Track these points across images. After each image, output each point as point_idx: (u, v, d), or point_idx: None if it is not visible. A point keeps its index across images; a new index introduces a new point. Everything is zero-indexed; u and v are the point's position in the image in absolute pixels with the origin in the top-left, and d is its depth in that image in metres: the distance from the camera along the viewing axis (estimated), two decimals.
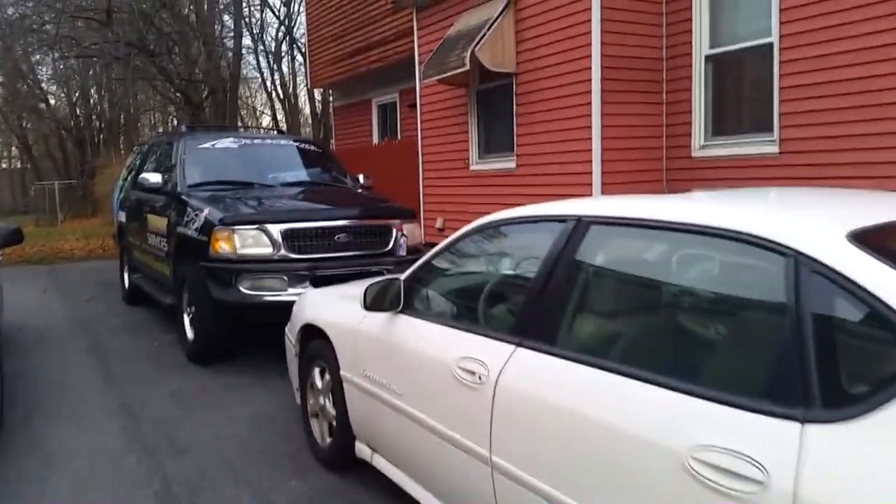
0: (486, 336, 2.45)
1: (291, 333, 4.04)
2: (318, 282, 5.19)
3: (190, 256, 5.60)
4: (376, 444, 3.16)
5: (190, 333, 5.68)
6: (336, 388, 3.42)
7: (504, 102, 7.74)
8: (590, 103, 6.43)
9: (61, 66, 28.10)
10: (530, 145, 7.23)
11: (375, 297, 2.95)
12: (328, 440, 3.60)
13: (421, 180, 9.24)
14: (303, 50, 26.58)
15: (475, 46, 7.03)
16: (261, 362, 5.57)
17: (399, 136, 12.40)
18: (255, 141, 6.98)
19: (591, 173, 6.49)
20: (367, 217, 5.62)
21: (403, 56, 11.38)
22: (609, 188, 6.52)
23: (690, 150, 6.60)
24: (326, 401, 3.60)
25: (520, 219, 2.68)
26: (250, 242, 5.22)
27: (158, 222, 6.36)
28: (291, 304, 5.08)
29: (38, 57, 25.90)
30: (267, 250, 5.21)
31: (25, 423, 4.30)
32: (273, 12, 25.84)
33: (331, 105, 16.47)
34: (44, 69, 30.01)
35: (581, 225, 2.33)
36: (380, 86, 12.87)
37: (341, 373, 3.33)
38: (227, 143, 6.68)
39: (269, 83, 28.27)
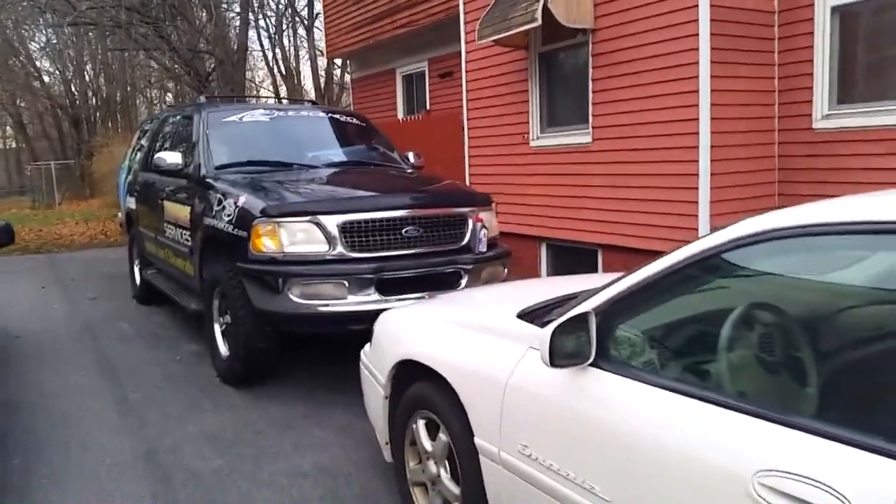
0: (826, 436, 1.40)
1: (377, 366, 3.00)
2: (386, 287, 4.16)
3: (222, 254, 4.55)
4: None
5: (223, 348, 4.65)
6: (464, 459, 2.39)
7: (575, 66, 6.63)
8: (697, 63, 5.33)
9: (54, 39, 26.81)
10: (611, 115, 6.14)
11: (564, 345, 1.89)
12: None
13: (466, 159, 8.15)
14: (305, 23, 25.51)
15: None
16: (311, 384, 4.54)
17: (428, 109, 11.28)
18: (290, 113, 5.88)
19: (697, 148, 5.41)
20: (440, 205, 4.56)
21: (436, 18, 10.24)
22: (719, 166, 5.44)
23: (812, 119, 5.51)
24: (442, 470, 2.57)
25: (868, 225, 1.56)
26: (300, 238, 4.16)
27: (179, 211, 5.29)
28: (352, 315, 4.12)
29: (29, 29, 24.63)
30: (321, 248, 4.16)
31: (24, 482, 3.27)
32: None
33: (348, 76, 15.31)
34: (35, 45, 28.74)
35: None
36: (406, 54, 11.71)
37: (476, 441, 2.30)
38: (256, 115, 5.58)
39: (269, 57, 27.05)
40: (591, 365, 1.92)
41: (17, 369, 5.03)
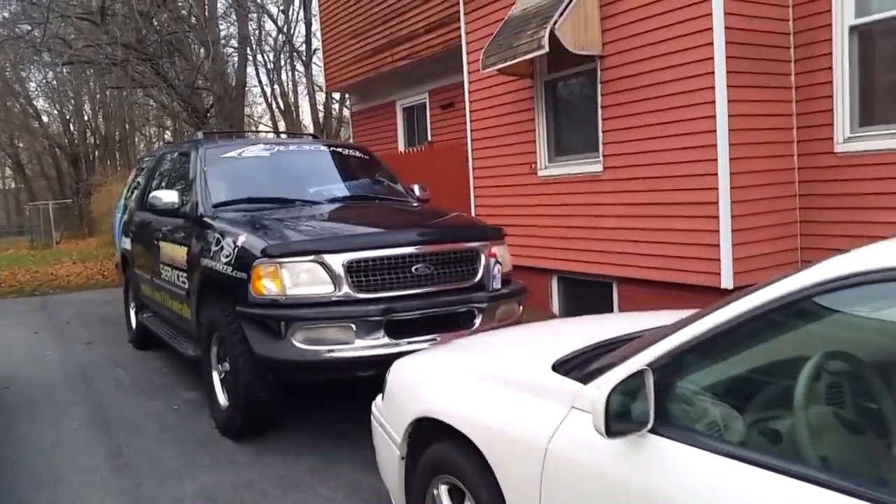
0: None
1: (391, 423, 2.72)
2: (395, 329, 3.89)
3: (221, 297, 4.29)
4: None
5: (222, 398, 4.36)
6: None
7: (583, 93, 6.45)
8: (713, 87, 5.14)
9: (52, 79, 26.86)
10: (622, 143, 5.93)
11: (619, 409, 1.62)
12: None
13: (472, 190, 7.94)
14: (303, 59, 25.54)
15: (554, 24, 5.74)
16: (316, 435, 4.25)
17: (431, 141, 11.11)
18: (291, 147, 5.66)
19: (715, 175, 5.19)
20: (451, 240, 4.30)
21: (436, 51, 10.12)
22: (740, 193, 5.22)
23: (833, 143, 5.30)
24: None
25: None
26: (304, 279, 3.90)
27: (175, 252, 5.04)
28: (360, 360, 3.85)
29: (27, 69, 24.68)
30: (326, 289, 3.89)
31: None
32: (272, 19, 24.52)
33: (347, 110, 15.18)
34: (33, 84, 28.81)
35: None
36: (406, 86, 11.59)
37: None
38: (256, 150, 5.36)
39: (268, 93, 27.08)
40: (653, 432, 1.64)
41: (4, 422, 4.73)
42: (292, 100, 27.35)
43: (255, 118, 30.24)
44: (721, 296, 5.30)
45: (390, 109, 12.21)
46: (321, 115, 26.30)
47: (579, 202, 6.43)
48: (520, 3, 6.55)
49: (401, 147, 11.85)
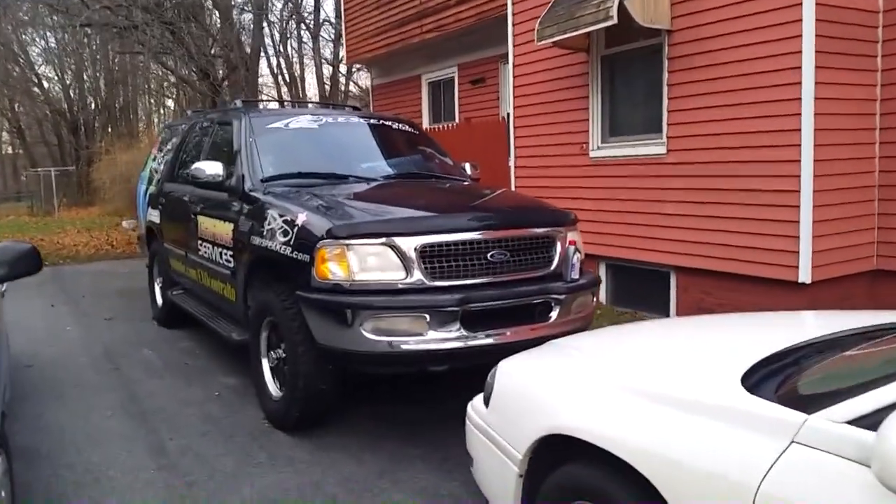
0: None
1: (505, 435, 2.39)
2: (471, 321, 3.56)
3: (275, 280, 3.94)
4: None
5: (273, 388, 4.03)
6: None
7: (646, 69, 6.06)
8: (800, 68, 4.77)
9: (53, 44, 26.23)
10: (690, 124, 5.57)
11: None
12: None
13: (512, 171, 7.57)
14: (312, 31, 24.92)
15: None
16: (377, 431, 3.93)
17: (457, 117, 10.72)
18: (339, 119, 5.27)
19: (798, 162, 4.84)
20: (528, 224, 3.95)
21: (467, 23, 9.72)
22: (823, 182, 4.87)
23: None
24: None
25: None
26: (373, 264, 3.55)
27: (217, 228, 4.68)
28: (434, 354, 3.52)
29: (29, 34, 24.06)
30: (397, 275, 3.55)
31: None
32: None
33: (354, 84, 14.72)
34: (35, 49, 28.18)
35: None
36: (433, 60, 11.18)
37: None
38: (303, 121, 4.98)
39: (273, 65, 26.49)
40: None
41: (32, 407, 4.40)
42: (298, 72, 26.79)
43: (261, 91, 29.65)
44: (796, 291, 4.99)
45: (415, 84, 11.80)
46: (328, 88, 25.76)
47: (635, 185, 6.08)
48: None
49: (425, 123, 11.44)
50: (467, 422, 2.69)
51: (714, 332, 2.48)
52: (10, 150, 40.09)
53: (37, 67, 28.83)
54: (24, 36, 26.10)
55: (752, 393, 1.75)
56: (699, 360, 2.12)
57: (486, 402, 2.57)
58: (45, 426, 4.10)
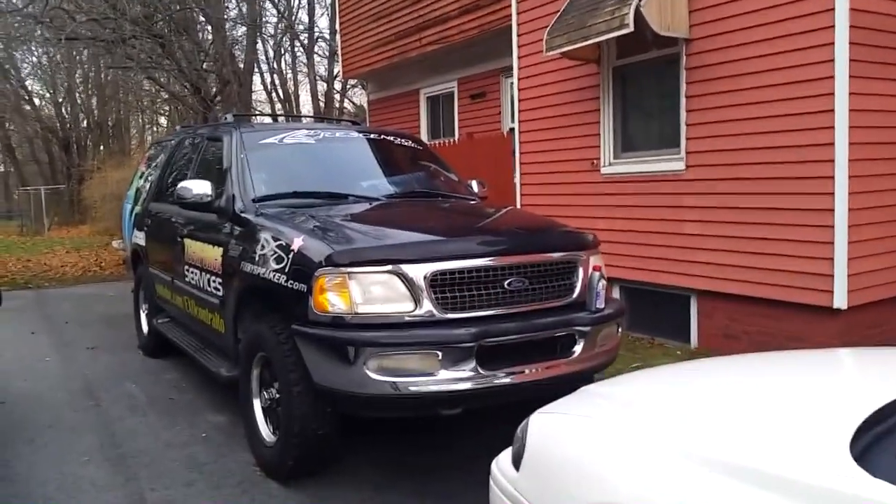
0: None
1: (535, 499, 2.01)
2: (488, 357, 3.18)
3: (268, 311, 3.57)
4: None
5: (265, 431, 3.63)
6: None
7: (661, 81, 5.75)
8: (832, 77, 4.45)
9: (45, 61, 25.91)
10: (711, 138, 5.24)
11: None
12: None
13: (518, 189, 7.23)
14: (305, 46, 24.67)
15: (640, 0, 5.03)
16: (375, 479, 3.54)
17: (457, 133, 10.41)
18: (337, 134, 4.91)
19: (832, 178, 4.51)
20: (548, 248, 3.59)
21: (469, 35, 9.42)
22: (858, 200, 4.54)
23: None
24: None
25: None
26: (378, 294, 3.18)
27: (205, 252, 4.31)
28: (447, 396, 3.15)
29: (20, 50, 23.73)
30: (404, 306, 3.18)
31: None
32: (273, 3, 23.54)
33: (348, 100, 14.40)
34: (27, 66, 27.85)
35: None
36: (432, 73, 10.87)
37: None
38: (299, 136, 4.62)
39: (268, 81, 26.20)
40: None
41: (1, 449, 3.99)
42: (292, 89, 26.52)
43: (255, 107, 29.34)
44: (830, 317, 4.63)
45: (413, 98, 11.49)
46: (322, 104, 25.47)
47: (651, 203, 5.74)
48: None
49: (424, 139, 11.11)
50: (492, 485, 2.30)
51: (790, 375, 2.11)
52: (0, 169, 39.66)
53: (27, 84, 28.48)
54: (15, 53, 25.74)
55: (866, 469, 1.38)
56: (783, 415, 1.74)
57: (516, 463, 2.19)
58: (12, 476, 3.67)
